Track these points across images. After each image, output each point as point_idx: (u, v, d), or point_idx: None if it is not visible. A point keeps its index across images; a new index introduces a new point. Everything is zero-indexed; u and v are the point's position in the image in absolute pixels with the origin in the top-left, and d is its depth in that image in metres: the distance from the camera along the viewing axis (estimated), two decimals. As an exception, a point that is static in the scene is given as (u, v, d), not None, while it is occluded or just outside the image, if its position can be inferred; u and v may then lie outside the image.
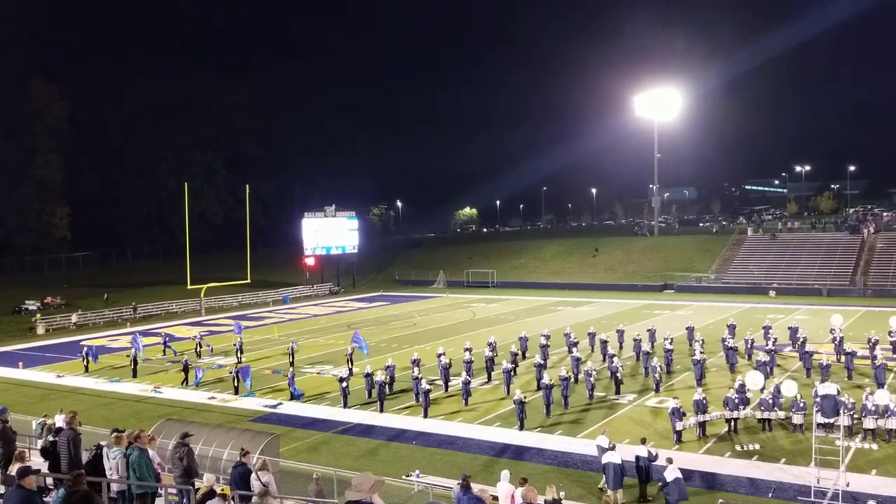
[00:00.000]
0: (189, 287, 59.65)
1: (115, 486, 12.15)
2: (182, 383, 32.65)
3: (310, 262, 75.71)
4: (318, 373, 34.62)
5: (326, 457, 21.65)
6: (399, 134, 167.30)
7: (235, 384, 30.71)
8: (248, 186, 68.41)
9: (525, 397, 24.75)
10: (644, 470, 17.94)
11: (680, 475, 16.48)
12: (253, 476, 12.57)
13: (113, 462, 12.40)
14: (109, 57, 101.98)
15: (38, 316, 55.79)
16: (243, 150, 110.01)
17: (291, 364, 35.13)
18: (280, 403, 28.62)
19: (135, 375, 34.80)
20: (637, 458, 18.01)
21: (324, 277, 78.49)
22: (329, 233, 75.97)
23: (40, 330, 52.89)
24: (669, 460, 17.13)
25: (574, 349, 33.51)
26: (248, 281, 64.58)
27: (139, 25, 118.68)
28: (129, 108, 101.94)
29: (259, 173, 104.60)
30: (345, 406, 27.51)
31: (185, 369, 33.13)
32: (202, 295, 62.09)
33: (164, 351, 40.90)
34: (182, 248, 59.52)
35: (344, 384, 27.75)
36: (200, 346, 40.41)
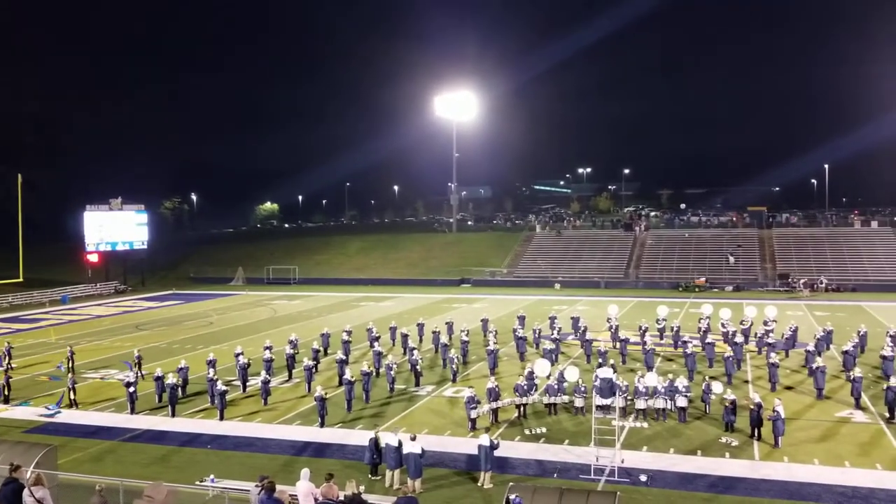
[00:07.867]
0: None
1: None
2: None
3: (93, 258, 70.26)
4: (101, 378, 32.24)
5: (112, 467, 20.27)
6: (192, 126, 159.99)
7: (7, 392, 27.86)
8: (20, 176, 62.15)
9: (326, 393, 24.72)
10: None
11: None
12: (25, 492, 11.58)
13: None
14: None
15: None
16: (16, 136, 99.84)
17: (71, 370, 32.29)
18: (58, 412, 26.34)
19: None
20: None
21: (109, 275, 73.20)
22: (115, 227, 70.96)
23: None
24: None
25: (376, 343, 33.89)
26: (21, 280, 58.81)
27: None
28: None
29: (34, 162, 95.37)
30: (132, 412, 25.90)
31: None
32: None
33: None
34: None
35: (131, 389, 26.10)
36: None
